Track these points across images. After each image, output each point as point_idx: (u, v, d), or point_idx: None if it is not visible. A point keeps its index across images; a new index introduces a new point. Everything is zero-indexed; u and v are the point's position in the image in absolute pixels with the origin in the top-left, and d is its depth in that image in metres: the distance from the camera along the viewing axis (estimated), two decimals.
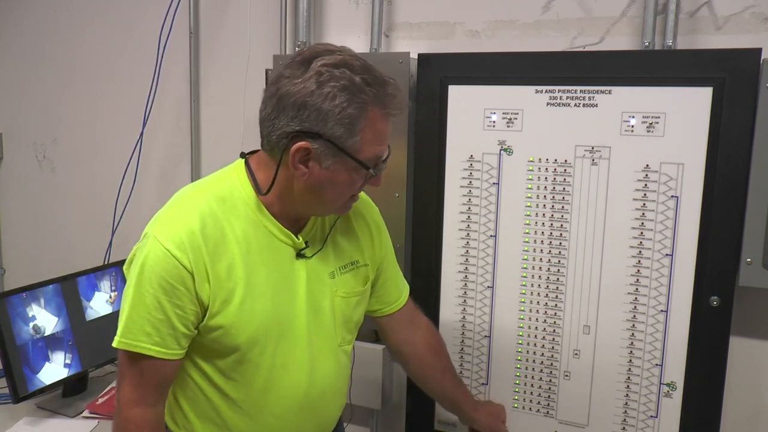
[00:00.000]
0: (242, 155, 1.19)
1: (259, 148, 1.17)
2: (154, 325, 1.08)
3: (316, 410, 1.25)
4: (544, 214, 1.60)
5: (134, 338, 1.08)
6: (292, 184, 1.11)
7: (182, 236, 1.06)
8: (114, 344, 1.10)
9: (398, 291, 1.41)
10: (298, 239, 1.17)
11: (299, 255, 1.18)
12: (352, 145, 1.06)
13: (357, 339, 1.60)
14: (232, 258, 1.10)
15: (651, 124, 1.48)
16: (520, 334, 1.66)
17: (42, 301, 1.81)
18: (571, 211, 1.58)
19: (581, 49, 1.66)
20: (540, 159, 1.59)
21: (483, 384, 1.73)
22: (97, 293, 1.94)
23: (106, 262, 2.22)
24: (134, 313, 1.08)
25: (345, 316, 1.26)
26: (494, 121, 1.62)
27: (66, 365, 1.84)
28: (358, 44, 1.88)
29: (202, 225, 1.08)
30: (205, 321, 1.10)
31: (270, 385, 1.18)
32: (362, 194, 1.29)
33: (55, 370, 1.81)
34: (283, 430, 1.23)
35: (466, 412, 1.51)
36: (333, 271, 1.23)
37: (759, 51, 1.40)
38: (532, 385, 1.67)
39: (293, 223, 1.18)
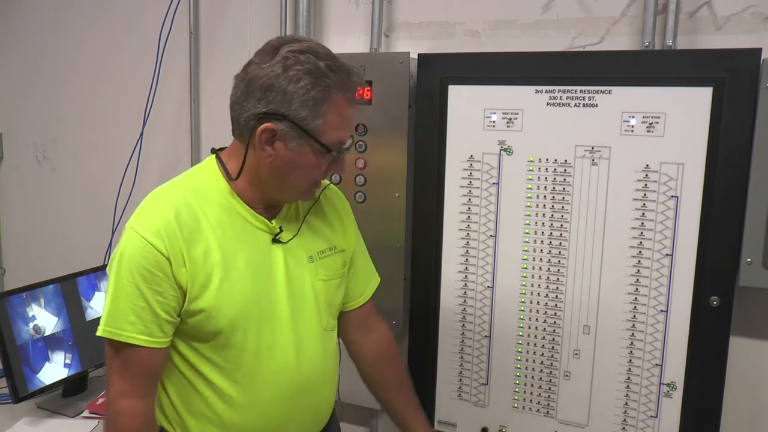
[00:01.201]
0: (213, 150, 1.24)
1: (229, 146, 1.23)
2: (137, 313, 1.11)
3: (307, 396, 1.25)
4: (544, 214, 1.60)
5: (118, 327, 1.11)
6: (260, 168, 1.15)
7: (158, 224, 1.11)
8: (98, 333, 1.14)
9: (363, 287, 1.40)
10: (272, 224, 1.21)
11: (275, 240, 1.21)
12: (316, 128, 1.10)
13: None
14: (207, 244, 1.14)
15: (651, 124, 1.48)
16: (520, 334, 1.66)
17: (42, 301, 1.81)
18: (571, 211, 1.58)
19: (581, 49, 1.66)
20: (540, 159, 1.59)
21: (483, 384, 1.73)
22: (97, 293, 1.94)
23: (106, 262, 2.22)
24: (117, 303, 1.12)
25: (328, 299, 1.28)
26: (494, 121, 1.62)
27: (66, 365, 1.84)
28: (358, 44, 1.88)
29: (176, 213, 1.12)
30: (185, 305, 1.13)
31: (258, 370, 1.19)
32: (333, 186, 1.37)
33: (55, 370, 1.81)
34: (275, 420, 1.22)
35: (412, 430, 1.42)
36: (311, 256, 1.26)
37: (759, 51, 1.40)
38: (532, 385, 1.67)
39: (266, 209, 1.22)
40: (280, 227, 1.22)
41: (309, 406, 1.27)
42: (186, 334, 1.17)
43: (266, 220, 1.21)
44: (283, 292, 1.21)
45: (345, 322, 1.41)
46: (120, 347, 1.12)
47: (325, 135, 1.12)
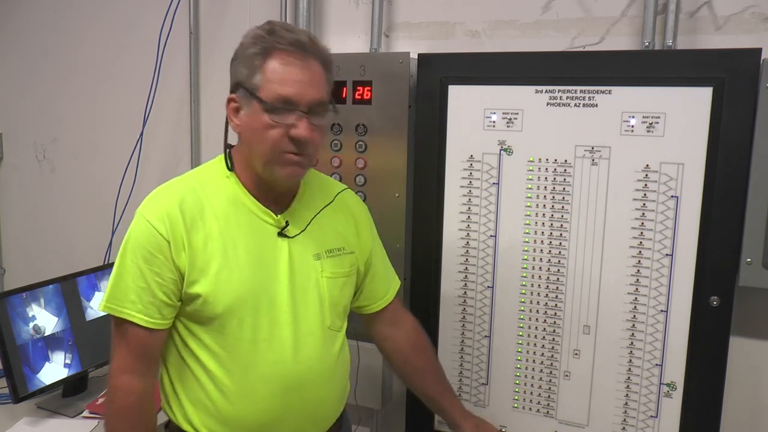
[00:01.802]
0: (227, 146, 1.29)
1: None
2: (137, 293, 1.17)
3: (302, 393, 1.25)
4: (544, 214, 1.60)
5: (119, 304, 1.18)
6: (241, 145, 1.22)
7: (162, 210, 1.17)
8: (99, 308, 1.21)
9: (385, 288, 1.45)
10: (277, 217, 1.24)
11: (281, 234, 1.24)
12: (255, 83, 1.14)
13: (357, 339, 1.61)
14: (209, 231, 1.19)
15: (651, 124, 1.48)
16: (520, 334, 1.66)
17: (42, 301, 1.81)
18: (571, 211, 1.58)
19: (581, 49, 1.66)
20: (540, 159, 1.59)
21: (483, 384, 1.73)
22: (97, 293, 1.94)
23: (106, 262, 2.22)
24: (120, 281, 1.18)
25: (333, 297, 1.29)
26: (494, 121, 1.62)
27: (66, 365, 1.84)
28: (358, 44, 1.88)
29: (181, 201, 1.19)
30: (184, 289, 1.18)
31: (253, 360, 1.20)
32: (353, 194, 1.42)
33: (55, 370, 1.81)
34: (268, 414, 1.22)
35: (452, 418, 1.47)
36: (318, 253, 1.28)
37: (759, 51, 1.40)
38: (532, 385, 1.67)
39: (272, 202, 1.25)
40: (287, 221, 1.24)
41: (306, 405, 1.26)
42: (188, 317, 1.21)
43: (272, 213, 1.23)
44: (285, 286, 1.22)
45: (373, 320, 1.46)
46: (121, 324, 1.19)
47: (264, 90, 1.14)
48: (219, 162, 1.27)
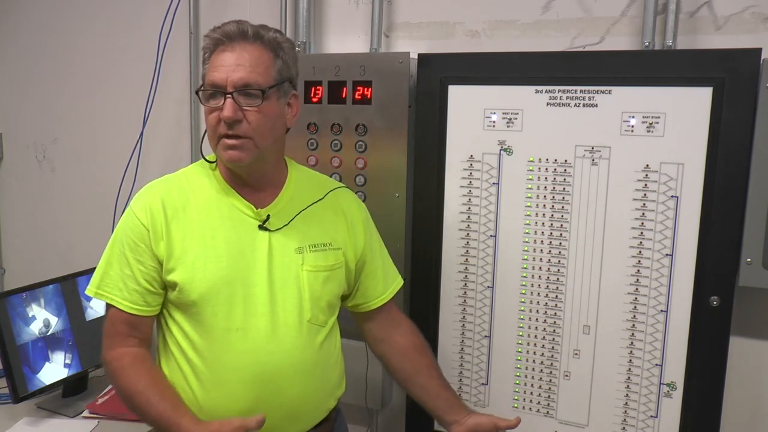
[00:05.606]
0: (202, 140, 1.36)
1: None
2: (124, 280, 1.24)
3: (278, 385, 1.24)
4: (544, 214, 1.60)
5: (108, 290, 1.25)
6: None
7: (145, 202, 1.25)
8: (87, 292, 1.28)
9: (382, 287, 1.44)
10: (257, 210, 1.27)
11: (261, 227, 1.27)
12: (203, 76, 1.23)
13: (357, 339, 1.61)
14: (190, 222, 1.24)
15: (651, 124, 1.48)
16: (520, 334, 1.66)
17: (42, 301, 1.81)
18: (571, 211, 1.58)
19: (581, 49, 1.66)
20: (540, 159, 1.59)
21: (483, 384, 1.73)
22: None
23: None
24: (108, 268, 1.26)
25: (314, 291, 1.29)
26: (494, 121, 1.62)
27: (66, 365, 1.84)
28: (358, 44, 1.88)
29: (165, 194, 1.26)
30: (163, 276, 1.24)
31: (226, 349, 1.23)
32: (349, 193, 1.41)
33: (55, 370, 1.81)
34: (241, 404, 1.22)
35: (458, 411, 1.40)
36: (301, 247, 1.29)
37: (759, 51, 1.40)
38: (532, 385, 1.67)
39: (253, 193, 1.28)
40: (268, 215, 1.27)
41: (281, 399, 1.26)
42: (171, 304, 1.26)
43: (252, 206, 1.27)
44: (264, 277, 1.24)
45: (370, 321, 1.45)
46: (109, 308, 1.27)
47: (204, 81, 1.22)
48: (210, 159, 1.32)
